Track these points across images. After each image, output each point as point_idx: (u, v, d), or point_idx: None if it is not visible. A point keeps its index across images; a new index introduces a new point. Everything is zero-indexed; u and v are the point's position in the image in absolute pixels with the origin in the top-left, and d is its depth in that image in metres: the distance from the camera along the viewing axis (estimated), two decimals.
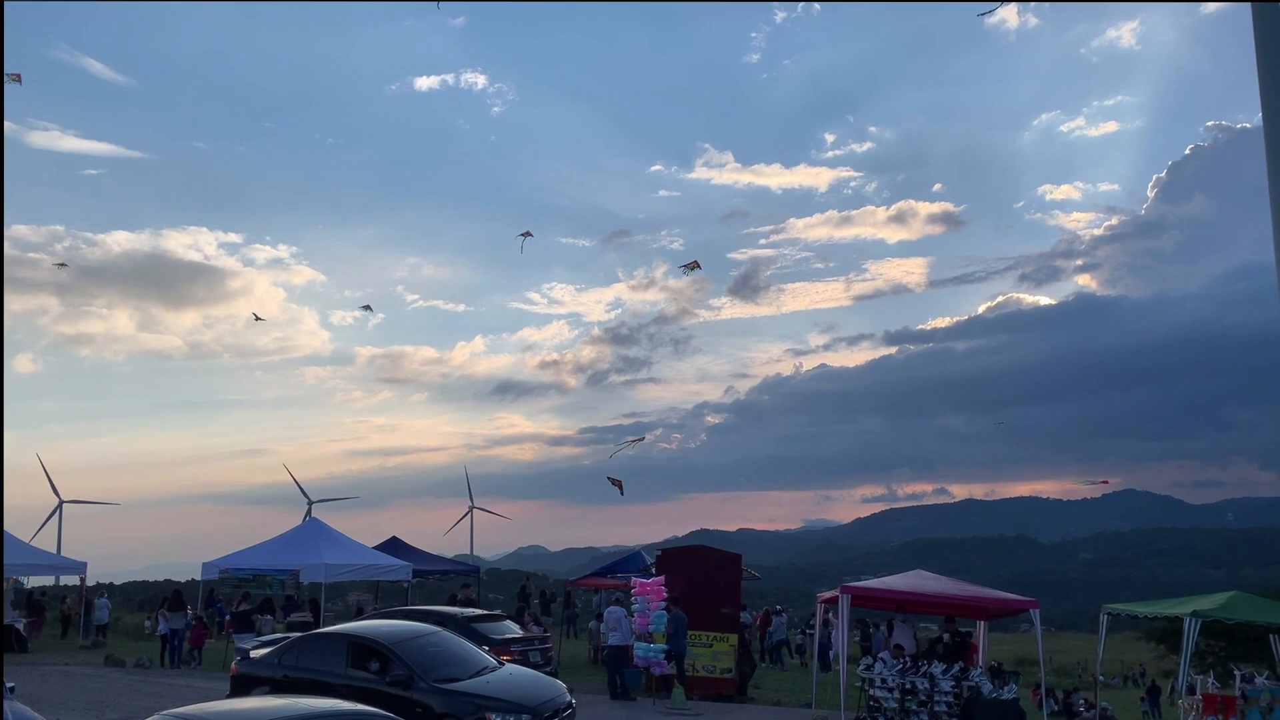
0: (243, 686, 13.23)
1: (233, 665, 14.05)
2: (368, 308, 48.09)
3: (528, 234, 26.23)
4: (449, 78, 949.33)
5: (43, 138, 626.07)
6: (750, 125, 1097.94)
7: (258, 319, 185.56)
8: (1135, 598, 23.68)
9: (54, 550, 37.67)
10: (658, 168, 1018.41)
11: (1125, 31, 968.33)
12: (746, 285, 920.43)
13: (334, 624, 22.98)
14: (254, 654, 13.83)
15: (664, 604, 19.61)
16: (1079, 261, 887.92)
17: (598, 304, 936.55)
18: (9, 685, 11.06)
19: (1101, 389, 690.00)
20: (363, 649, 12.59)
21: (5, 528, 28.15)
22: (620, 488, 23.16)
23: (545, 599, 34.84)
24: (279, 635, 15.04)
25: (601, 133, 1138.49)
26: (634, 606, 20.06)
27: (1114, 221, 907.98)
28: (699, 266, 22.71)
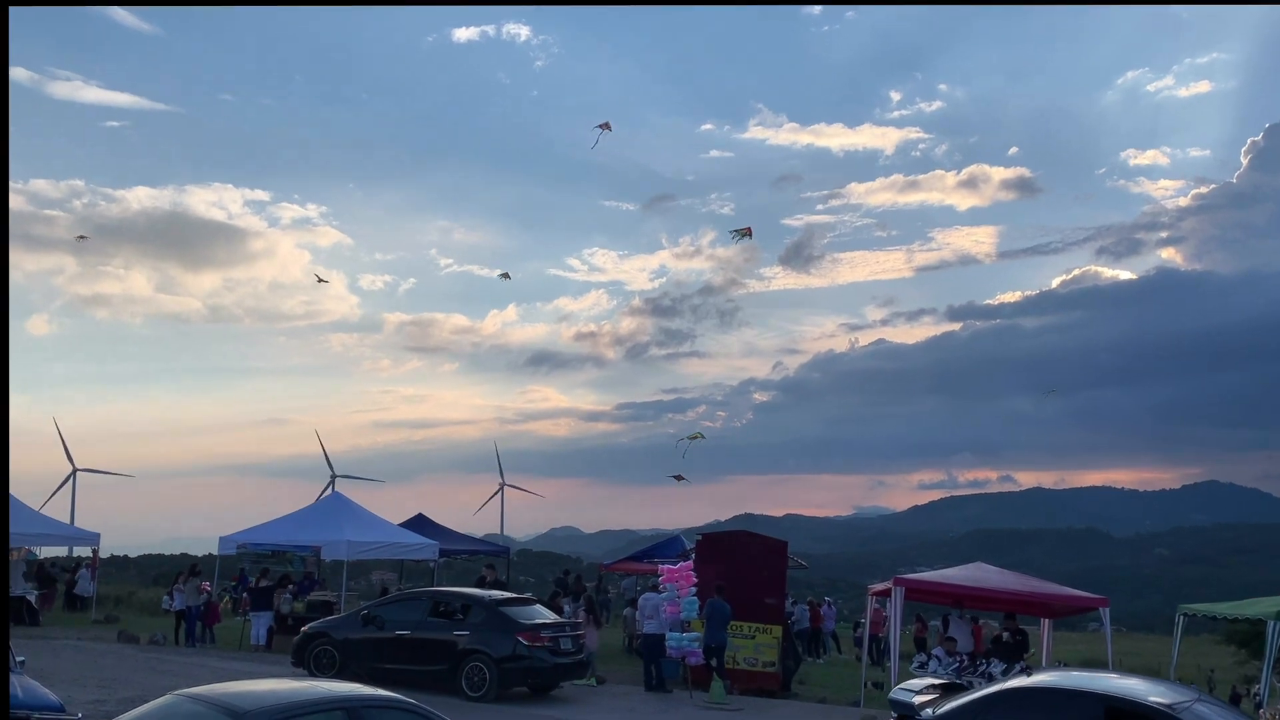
0: None
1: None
2: (505, 275, 39.63)
3: (606, 126, 23.31)
4: (489, 29, 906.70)
5: (64, 88, 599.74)
6: (810, 82, 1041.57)
7: (320, 280, 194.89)
8: (1216, 598, 22.23)
9: (67, 520, 36.91)
10: (708, 127, 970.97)
11: None
12: (800, 254, 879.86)
13: (356, 604, 22.33)
14: (920, 702, 9.70)
15: (694, 589, 18.51)
16: (1163, 234, 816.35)
17: (640, 272, 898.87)
18: (19, 659, 10.21)
19: (1184, 371, 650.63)
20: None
21: (16, 495, 27.43)
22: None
23: (579, 584, 33.80)
24: (927, 683, 10.84)
25: (649, 89, 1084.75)
26: (662, 595, 19.05)
27: (1203, 190, 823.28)
28: (750, 234, 21.34)
